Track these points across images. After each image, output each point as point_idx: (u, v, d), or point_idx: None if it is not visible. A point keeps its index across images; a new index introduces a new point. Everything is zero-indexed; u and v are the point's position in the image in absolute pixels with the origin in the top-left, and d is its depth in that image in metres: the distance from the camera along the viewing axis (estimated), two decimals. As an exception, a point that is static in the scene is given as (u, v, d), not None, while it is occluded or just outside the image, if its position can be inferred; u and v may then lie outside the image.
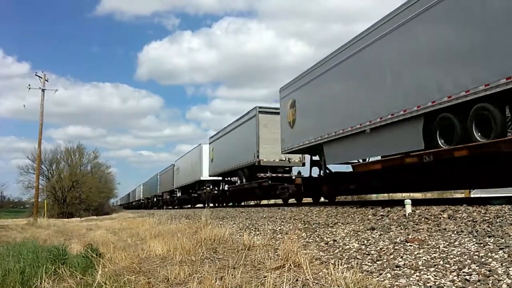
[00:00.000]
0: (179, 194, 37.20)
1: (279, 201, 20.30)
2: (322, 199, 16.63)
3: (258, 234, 6.99)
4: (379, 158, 10.31)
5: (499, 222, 4.75)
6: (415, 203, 7.40)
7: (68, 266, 5.44)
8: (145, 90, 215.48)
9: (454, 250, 3.98)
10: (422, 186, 11.23)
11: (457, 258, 3.71)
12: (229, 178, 23.63)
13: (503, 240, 3.98)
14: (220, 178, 25.16)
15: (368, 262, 4.13)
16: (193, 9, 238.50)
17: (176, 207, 38.30)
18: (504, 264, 3.33)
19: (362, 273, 3.70)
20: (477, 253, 3.75)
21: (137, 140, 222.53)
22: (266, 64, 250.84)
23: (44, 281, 4.55)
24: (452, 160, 7.31)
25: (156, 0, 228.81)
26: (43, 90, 28.38)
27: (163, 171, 45.98)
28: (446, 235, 4.64)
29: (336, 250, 4.95)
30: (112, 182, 65.27)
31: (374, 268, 3.88)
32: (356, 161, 11.86)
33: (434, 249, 4.13)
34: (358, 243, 5.07)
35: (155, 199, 50.63)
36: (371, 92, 9.82)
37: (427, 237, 4.69)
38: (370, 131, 9.81)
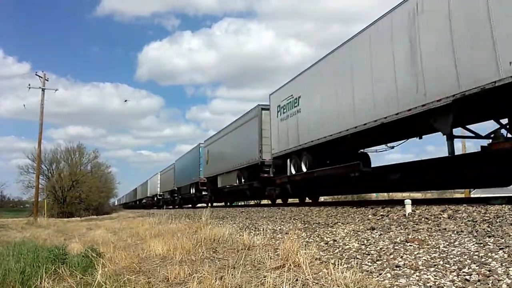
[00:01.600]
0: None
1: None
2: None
3: (258, 234, 6.99)
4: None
5: (499, 222, 4.75)
6: (415, 203, 7.41)
7: (68, 265, 5.43)
8: (145, 91, 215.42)
9: (454, 250, 3.98)
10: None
11: (457, 258, 3.71)
12: None
13: (503, 240, 3.99)
14: None
15: (368, 262, 4.13)
16: (193, 9, 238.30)
17: (278, 200, 18.74)
18: (504, 264, 3.33)
19: (362, 273, 3.70)
20: (477, 253, 3.75)
21: (137, 140, 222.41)
22: (266, 64, 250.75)
23: (44, 280, 4.55)
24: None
25: (156, 1, 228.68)
26: (43, 90, 28.39)
27: (217, 136, 24.58)
28: (446, 235, 4.65)
29: (336, 250, 4.95)
30: (112, 181, 65.15)
31: (374, 268, 3.88)
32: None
33: (434, 249, 4.13)
34: (358, 243, 5.07)
35: (192, 191, 29.60)
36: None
37: (427, 237, 4.69)
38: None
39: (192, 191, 29.38)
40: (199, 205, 30.16)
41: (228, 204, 25.81)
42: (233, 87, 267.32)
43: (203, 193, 26.88)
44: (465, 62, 7.13)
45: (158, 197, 45.14)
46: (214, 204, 26.65)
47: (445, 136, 8.26)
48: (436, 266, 3.59)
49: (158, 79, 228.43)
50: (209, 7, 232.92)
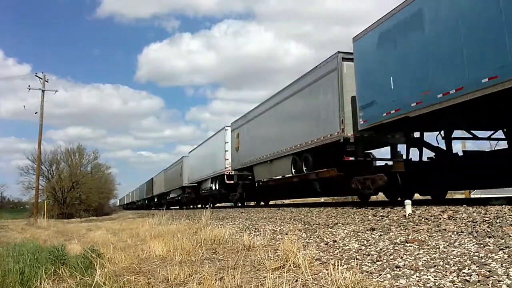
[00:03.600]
0: None
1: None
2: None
3: (258, 235, 6.99)
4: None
5: (499, 222, 4.74)
6: (415, 203, 7.41)
7: (68, 266, 5.44)
8: (145, 92, 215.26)
9: (454, 250, 3.98)
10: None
11: (457, 258, 3.71)
12: None
13: (503, 241, 3.98)
14: None
15: (368, 262, 4.12)
16: (192, 11, 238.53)
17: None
18: (504, 264, 3.32)
19: (362, 273, 3.69)
20: (477, 253, 3.74)
21: (137, 141, 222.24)
22: (265, 66, 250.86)
23: (44, 281, 4.55)
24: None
25: (156, 2, 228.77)
26: (43, 91, 28.46)
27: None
28: (446, 235, 4.64)
29: (336, 250, 4.95)
30: (112, 182, 65.10)
31: (374, 268, 3.88)
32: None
33: (434, 250, 4.13)
34: (358, 244, 5.07)
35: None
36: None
37: (427, 238, 4.69)
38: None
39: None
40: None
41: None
42: (233, 89, 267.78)
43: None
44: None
45: (227, 180, 20.71)
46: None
47: None
48: (436, 267, 3.59)
49: (158, 80, 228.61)
50: (209, 8, 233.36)
